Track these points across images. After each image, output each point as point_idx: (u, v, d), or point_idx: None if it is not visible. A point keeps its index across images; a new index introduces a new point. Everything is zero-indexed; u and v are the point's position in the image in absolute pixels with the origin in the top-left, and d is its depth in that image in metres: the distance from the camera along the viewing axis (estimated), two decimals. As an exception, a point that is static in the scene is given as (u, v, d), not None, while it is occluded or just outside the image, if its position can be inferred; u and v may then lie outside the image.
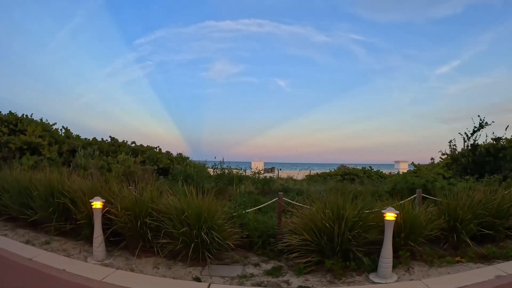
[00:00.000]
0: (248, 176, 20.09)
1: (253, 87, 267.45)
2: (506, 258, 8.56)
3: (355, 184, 25.11)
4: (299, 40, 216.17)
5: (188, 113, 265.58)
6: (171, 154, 26.73)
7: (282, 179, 33.86)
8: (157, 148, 26.57)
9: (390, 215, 7.44)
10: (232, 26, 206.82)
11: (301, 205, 9.29)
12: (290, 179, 34.08)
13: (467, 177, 15.66)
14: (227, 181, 15.81)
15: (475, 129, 20.18)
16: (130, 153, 22.85)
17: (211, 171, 20.61)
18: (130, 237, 8.82)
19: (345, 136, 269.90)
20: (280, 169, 74.32)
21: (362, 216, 8.07)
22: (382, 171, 38.60)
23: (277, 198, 9.78)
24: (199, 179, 15.53)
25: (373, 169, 38.12)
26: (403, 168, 58.42)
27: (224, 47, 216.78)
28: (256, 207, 10.02)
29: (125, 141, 25.33)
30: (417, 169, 30.13)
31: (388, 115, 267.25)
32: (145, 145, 25.74)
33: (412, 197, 10.39)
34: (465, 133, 20.53)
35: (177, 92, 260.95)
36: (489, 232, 9.25)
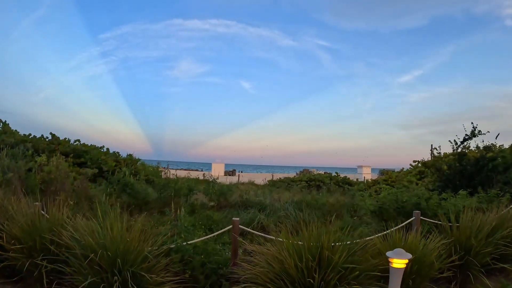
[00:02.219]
0: (206, 180, 17.17)
1: (217, 88, 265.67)
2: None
3: (322, 192, 22.85)
4: (265, 43, 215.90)
5: (152, 112, 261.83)
6: (119, 155, 23.92)
7: (243, 184, 31.78)
8: (104, 148, 23.66)
9: (399, 262, 5.13)
10: (200, 26, 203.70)
11: (263, 235, 7.36)
12: (252, 184, 32.05)
13: (461, 191, 13.37)
14: (175, 190, 13.05)
15: (466, 137, 18.02)
16: (70, 154, 19.93)
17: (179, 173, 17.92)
18: (26, 279, 6.33)
19: (308, 139, 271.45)
20: (241, 172, 72.24)
21: (355, 259, 5.78)
22: (348, 178, 36.72)
23: (231, 226, 7.11)
24: (141, 189, 12.82)
25: (339, 175, 36.11)
26: (366, 173, 58.41)
27: (190, 46, 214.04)
28: (204, 237, 7.32)
29: (66, 139, 22.33)
30: (388, 177, 28.50)
31: (350, 120, 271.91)
32: (89, 144, 22.71)
33: (408, 221, 8.83)
34: (455, 140, 18.30)
35: (141, 90, 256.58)
36: (503, 265, 7.70)
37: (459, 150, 18.13)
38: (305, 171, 52.95)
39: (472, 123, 17.84)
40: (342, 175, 36.83)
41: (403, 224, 8.33)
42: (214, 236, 7.92)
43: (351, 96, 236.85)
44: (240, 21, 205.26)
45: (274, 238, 6.55)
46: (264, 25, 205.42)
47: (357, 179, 40.47)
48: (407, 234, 6.92)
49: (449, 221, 8.63)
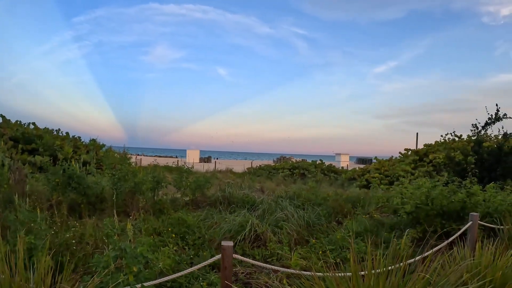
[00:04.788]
0: (178, 168, 14.19)
1: (193, 74, 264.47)
2: None
3: (309, 181, 20.53)
4: (242, 30, 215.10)
5: (126, 98, 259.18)
6: (80, 140, 21.02)
7: (220, 172, 29.40)
8: (61, 132, 20.69)
9: None
10: (176, 10, 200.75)
11: (278, 269, 5.03)
12: (230, 172, 29.90)
13: (492, 184, 11.11)
14: (135, 184, 10.11)
15: (489, 121, 15.53)
16: (20, 139, 17.06)
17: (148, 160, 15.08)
18: None
19: (284, 127, 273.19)
20: (217, 159, 70.26)
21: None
22: (334, 166, 34.50)
23: (219, 256, 4.22)
24: (92, 183, 9.90)
25: (324, 163, 33.81)
26: (344, 160, 57.54)
27: (166, 32, 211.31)
28: (170, 276, 4.50)
29: (18, 122, 19.40)
30: (380, 165, 26.46)
31: (326, 109, 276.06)
32: (42, 128, 19.70)
33: (466, 226, 6.79)
34: (475, 125, 15.78)
35: (115, 75, 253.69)
36: None
37: (478, 136, 15.79)
38: (282, 158, 51.94)
39: (496, 104, 15.36)
40: (327, 163, 34.56)
41: (460, 232, 6.55)
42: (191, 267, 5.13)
43: (327, 84, 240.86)
44: (217, 6, 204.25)
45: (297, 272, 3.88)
46: (242, 11, 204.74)
47: (342, 167, 38.50)
48: (465, 246, 5.25)
49: (500, 223, 7.53)
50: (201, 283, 5.45)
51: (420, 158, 25.32)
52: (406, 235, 6.81)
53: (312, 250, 7.38)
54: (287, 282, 5.18)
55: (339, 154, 63.98)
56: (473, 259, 4.68)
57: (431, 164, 23.53)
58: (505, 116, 15.09)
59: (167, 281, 5.08)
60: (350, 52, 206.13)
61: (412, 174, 22.56)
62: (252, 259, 6.33)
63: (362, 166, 35.22)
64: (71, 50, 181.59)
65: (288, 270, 4.77)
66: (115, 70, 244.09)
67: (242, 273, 6.28)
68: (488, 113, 15.28)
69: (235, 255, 4.24)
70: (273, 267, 5.00)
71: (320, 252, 7.16)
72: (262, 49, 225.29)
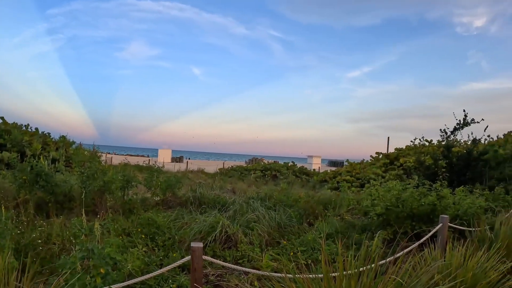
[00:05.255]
0: (149, 167, 14.04)
1: (168, 72, 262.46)
2: None
3: (281, 182, 20.54)
4: (218, 30, 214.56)
5: (98, 95, 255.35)
6: (50, 137, 20.61)
7: (192, 172, 29.23)
8: (30, 128, 20.25)
9: None
10: (153, 7, 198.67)
11: (250, 271, 4.85)
12: (202, 172, 29.76)
13: (460, 188, 11.34)
14: (105, 183, 9.89)
15: (458, 126, 15.93)
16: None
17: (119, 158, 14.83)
18: None
19: (257, 128, 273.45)
20: (189, 159, 69.86)
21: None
22: (306, 168, 34.65)
23: (188, 257, 4.12)
24: (60, 181, 9.69)
25: (296, 164, 33.90)
26: (316, 163, 57.91)
27: (142, 28, 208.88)
28: (138, 279, 4.39)
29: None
30: (352, 168, 26.67)
31: (300, 111, 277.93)
32: (11, 123, 19.24)
33: (436, 228, 6.87)
34: (444, 130, 16.18)
35: (88, 71, 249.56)
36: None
37: (447, 141, 16.27)
38: (253, 160, 51.96)
39: (464, 110, 15.80)
40: (298, 165, 34.66)
41: (430, 234, 6.62)
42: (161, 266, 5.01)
43: (301, 87, 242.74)
44: (194, 5, 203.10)
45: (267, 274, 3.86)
46: (219, 11, 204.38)
47: (313, 170, 38.69)
48: (436, 248, 5.50)
49: (469, 225, 7.90)
50: (171, 285, 5.36)
51: (391, 162, 25.56)
52: (377, 237, 6.85)
53: (283, 252, 7.35)
54: (258, 284, 5.14)
55: (311, 157, 64.40)
56: (444, 261, 4.75)
57: (401, 167, 23.77)
58: (472, 121, 15.51)
59: (136, 283, 4.97)
60: (325, 57, 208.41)
61: (383, 177, 22.75)
62: (223, 261, 6.27)
63: (334, 168, 35.40)
64: (44, 43, 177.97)
65: (259, 272, 4.71)
66: (89, 65, 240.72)
67: (213, 274, 6.21)
68: (457, 119, 15.66)
69: (205, 257, 4.17)
70: (243, 268, 4.95)
71: (292, 253, 7.14)
72: (238, 50, 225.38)
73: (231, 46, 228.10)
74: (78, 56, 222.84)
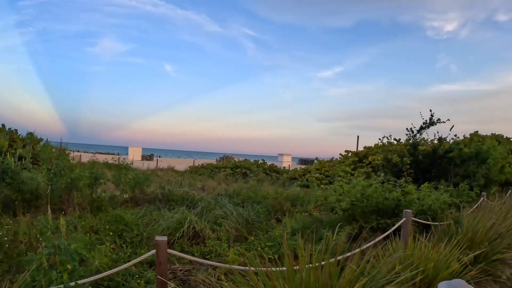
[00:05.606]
0: (117, 165, 13.93)
1: (140, 69, 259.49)
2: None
3: (251, 180, 20.69)
4: (192, 27, 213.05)
5: (68, 91, 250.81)
6: (17, 133, 20.32)
7: (161, 170, 29.09)
8: (-2, 125, 19.96)
9: None
10: (127, 2, 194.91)
11: (213, 264, 4.92)
12: (171, 170, 29.63)
13: (426, 184, 11.65)
14: (72, 180, 9.79)
15: (424, 125, 16.35)
16: None
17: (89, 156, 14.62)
18: None
19: (229, 126, 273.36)
20: (160, 157, 69.34)
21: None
22: (276, 165, 34.77)
23: (153, 251, 4.16)
24: (27, 178, 9.58)
25: (266, 162, 34.01)
26: (287, 161, 58.18)
27: (115, 23, 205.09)
28: (103, 274, 4.41)
29: None
30: (321, 166, 26.94)
31: (271, 110, 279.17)
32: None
33: (400, 222, 6.92)
34: (411, 129, 16.59)
35: (58, 66, 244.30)
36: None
37: (413, 140, 16.72)
38: (224, 158, 51.88)
39: (430, 110, 16.25)
40: (269, 163, 34.79)
41: (395, 226, 6.79)
42: (127, 262, 5.03)
43: (273, 86, 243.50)
44: (168, 1, 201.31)
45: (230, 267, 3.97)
46: (193, 8, 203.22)
47: (283, 167, 38.86)
48: (400, 239, 5.88)
49: (433, 220, 8.07)
50: (138, 281, 5.40)
51: (359, 160, 25.95)
52: (343, 231, 7.02)
53: (251, 247, 7.45)
54: (225, 279, 5.22)
55: (281, 155, 64.66)
56: (405, 252, 4.94)
57: (370, 165, 24.16)
58: (438, 121, 15.91)
59: (104, 280, 5.02)
60: (298, 56, 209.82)
61: (352, 174, 23.05)
62: (191, 255, 6.34)
63: (304, 166, 35.65)
64: (13, 36, 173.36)
65: (223, 264, 4.79)
66: (59, 60, 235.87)
67: (181, 270, 6.26)
68: (423, 119, 16.06)
69: (169, 250, 4.23)
70: (208, 262, 5.01)
71: (259, 248, 7.24)
72: (211, 48, 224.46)
73: (205, 43, 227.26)
74: (48, 51, 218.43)
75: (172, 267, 6.27)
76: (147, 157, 67.33)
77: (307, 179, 24.48)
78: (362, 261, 4.03)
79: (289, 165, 50.21)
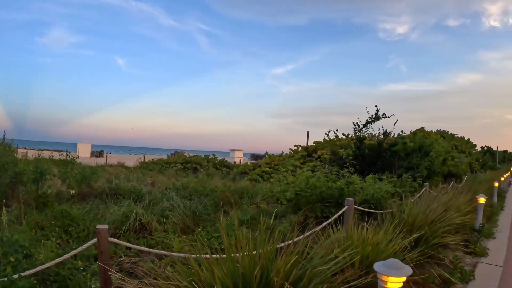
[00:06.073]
0: (64, 161, 13.68)
1: (90, 62, 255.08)
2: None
3: (201, 175, 20.77)
4: (146, 20, 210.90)
5: (15, 84, 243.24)
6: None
7: (111, 166, 28.77)
8: None
9: (396, 281, 3.49)
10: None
11: (154, 251, 4.96)
12: (121, 166, 29.33)
13: (370, 175, 12.06)
14: (16, 174, 9.60)
15: (370, 119, 16.86)
16: None
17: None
18: None
19: (182, 122, 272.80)
20: (110, 153, 68.43)
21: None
22: (226, 160, 34.94)
23: (94, 240, 4.22)
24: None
25: (217, 157, 34.09)
26: (238, 156, 58.63)
27: (66, 13, 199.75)
28: (43, 265, 4.43)
29: None
30: (271, 160, 27.28)
31: (224, 106, 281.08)
32: None
33: (342, 210, 7.21)
34: (357, 123, 17.06)
35: (2, 57, 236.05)
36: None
37: (360, 134, 17.27)
38: (176, 153, 51.67)
39: (376, 105, 16.90)
40: (219, 158, 34.86)
41: (338, 214, 7.05)
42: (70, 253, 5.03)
43: (227, 82, 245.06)
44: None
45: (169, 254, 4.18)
46: (148, 0, 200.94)
47: (234, 162, 39.09)
48: (343, 226, 6.17)
49: (375, 208, 8.61)
50: (83, 273, 5.42)
51: (309, 154, 26.37)
52: (287, 220, 7.23)
53: (198, 238, 7.54)
54: (171, 269, 5.31)
55: (233, 150, 65.23)
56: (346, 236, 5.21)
57: (319, 159, 24.57)
58: (384, 116, 16.51)
59: (50, 275, 5.03)
60: (252, 53, 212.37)
61: (301, 168, 23.42)
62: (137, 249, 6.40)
63: (255, 161, 35.95)
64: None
65: (164, 252, 4.92)
66: (4, 50, 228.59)
67: (127, 263, 6.30)
68: (369, 113, 16.59)
69: (111, 239, 4.31)
70: (149, 249, 5.02)
71: (205, 239, 7.34)
72: (165, 42, 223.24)
73: (159, 37, 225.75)
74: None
75: (119, 259, 6.31)
76: (97, 153, 66.31)
77: (257, 174, 24.71)
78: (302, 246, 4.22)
79: (240, 160, 50.57)
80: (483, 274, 7.15)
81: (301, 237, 4.65)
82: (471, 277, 6.76)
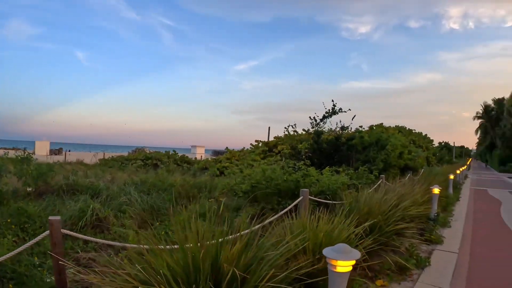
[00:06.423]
0: (20, 158, 13.52)
1: (49, 55, 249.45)
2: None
3: (162, 170, 20.68)
4: (108, 12, 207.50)
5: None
6: None
7: (70, 164, 28.34)
8: None
9: (345, 264, 3.70)
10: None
11: (109, 243, 5.04)
12: (80, 163, 28.91)
13: (327, 168, 12.31)
14: None
15: (327, 114, 17.18)
16: None
17: None
18: None
19: (143, 118, 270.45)
20: (69, 151, 67.14)
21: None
22: (187, 156, 34.83)
23: (47, 232, 4.25)
24: None
25: (177, 153, 33.95)
26: (200, 152, 58.59)
27: (25, 4, 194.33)
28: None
29: None
30: (231, 155, 27.41)
31: (186, 102, 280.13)
32: None
33: (297, 200, 7.36)
34: (314, 118, 17.36)
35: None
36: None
37: (317, 128, 17.60)
38: (137, 150, 51.22)
39: (332, 100, 17.23)
40: (180, 154, 34.73)
41: (292, 204, 7.14)
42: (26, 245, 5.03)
43: (189, 78, 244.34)
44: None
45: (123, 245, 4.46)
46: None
47: (195, 158, 39.00)
48: (298, 217, 6.07)
49: (332, 199, 8.70)
50: (39, 269, 5.43)
51: (269, 149, 26.60)
52: (244, 213, 7.34)
53: (156, 232, 7.57)
54: (128, 262, 5.35)
55: (195, 147, 65.17)
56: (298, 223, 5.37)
57: (279, 154, 24.80)
58: (340, 111, 16.89)
59: (7, 272, 5.04)
60: (216, 48, 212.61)
61: (260, 162, 23.64)
62: (94, 244, 6.43)
63: (215, 157, 35.97)
64: None
65: (118, 243, 4.96)
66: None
67: (84, 258, 6.30)
68: (326, 108, 16.92)
69: (64, 231, 4.33)
70: (99, 240, 5.04)
71: (163, 232, 7.38)
72: (127, 36, 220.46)
73: (121, 31, 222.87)
74: None
75: (76, 255, 6.32)
76: (56, 151, 64.97)
77: (217, 169, 24.79)
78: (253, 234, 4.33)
79: (202, 156, 50.52)
80: (438, 260, 7.47)
81: (256, 227, 4.77)
82: (427, 263, 7.04)
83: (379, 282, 6.09)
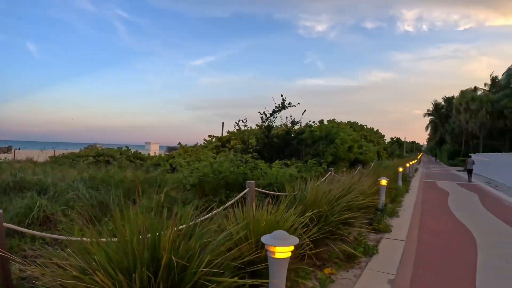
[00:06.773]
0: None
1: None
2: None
3: (113, 167, 20.52)
4: (62, 2, 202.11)
5: None
6: None
7: (19, 162, 27.71)
8: None
9: (284, 251, 3.87)
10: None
11: (55, 237, 5.23)
12: (30, 161, 28.25)
13: (276, 161, 12.50)
14: None
15: (276, 109, 17.43)
16: None
17: None
18: None
19: (96, 114, 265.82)
20: (19, 149, 65.53)
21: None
22: (140, 152, 34.54)
23: None
24: None
25: (130, 149, 33.61)
26: (154, 149, 58.21)
27: None
28: None
29: None
30: (184, 150, 27.36)
31: (140, 97, 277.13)
32: None
33: (243, 192, 7.48)
34: (264, 112, 17.56)
35: None
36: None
37: (267, 123, 17.81)
38: (89, 147, 50.46)
39: (282, 95, 17.48)
40: (133, 150, 34.38)
41: (239, 196, 7.25)
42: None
43: (144, 73, 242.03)
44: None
45: (67, 238, 4.70)
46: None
47: (148, 154, 38.73)
48: (244, 208, 6.05)
49: (280, 191, 8.88)
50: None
51: (222, 144, 26.65)
52: (191, 205, 7.43)
53: (104, 227, 7.57)
54: (74, 257, 5.38)
55: (149, 143, 64.54)
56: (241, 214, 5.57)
57: (232, 149, 24.93)
58: (290, 105, 17.16)
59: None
60: (172, 43, 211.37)
61: (214, 158, 23.68)
62: (43, 242, 6.43)
63: (169, 153, 35.80)
64: None
65: (60, 236, 5.04)
66: None
67: (32, 255, 6.29)
68: (275, 103, 17.16)
69: (7, 224, 4.36)
70: (44, 234, 5.15)
71: (110, 228, 7.39)
72: (81, 27, 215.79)
73: (74, 22, 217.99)
74: None
75: (23, 253, 6.32)
76: (4, 149, 63.39)
77: (170, 164, 24.69)
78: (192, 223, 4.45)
79: (155, 152, 50.19)
80: (386, 248, 7.78)
81: (202, 218, 4.88)
82: (375, 251, 7.34)
83: (327, 270, 6.37)
